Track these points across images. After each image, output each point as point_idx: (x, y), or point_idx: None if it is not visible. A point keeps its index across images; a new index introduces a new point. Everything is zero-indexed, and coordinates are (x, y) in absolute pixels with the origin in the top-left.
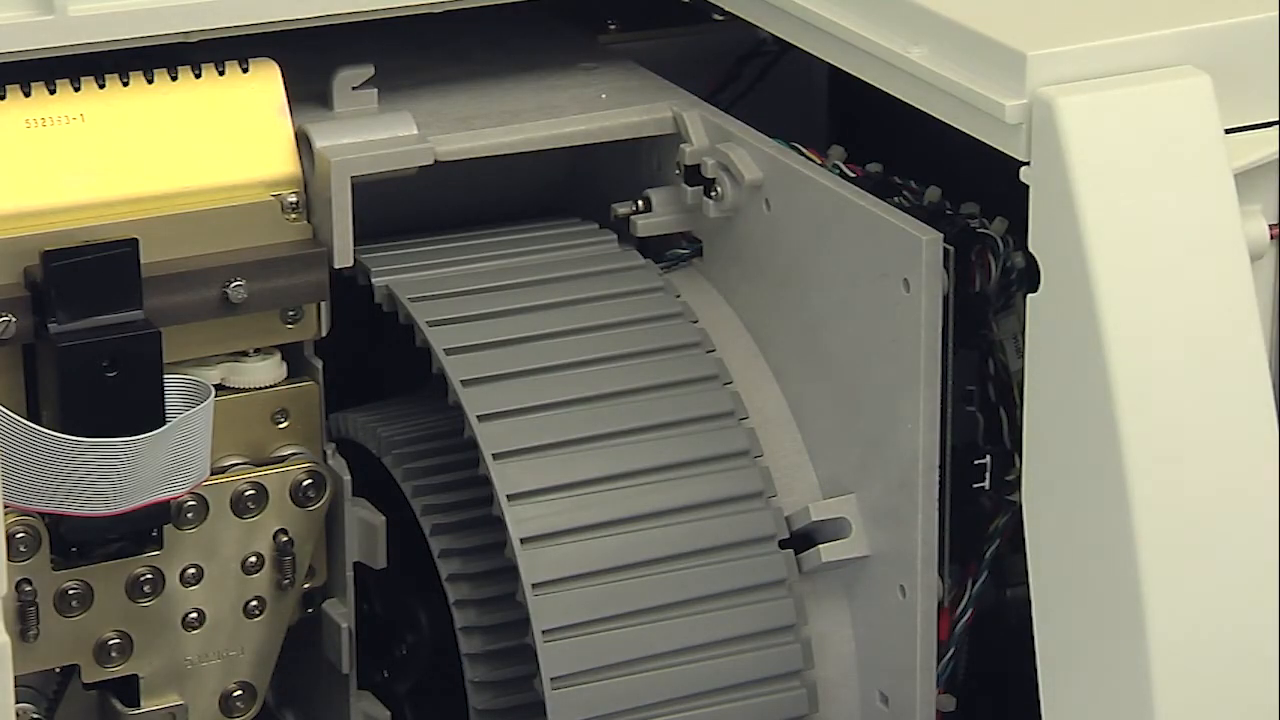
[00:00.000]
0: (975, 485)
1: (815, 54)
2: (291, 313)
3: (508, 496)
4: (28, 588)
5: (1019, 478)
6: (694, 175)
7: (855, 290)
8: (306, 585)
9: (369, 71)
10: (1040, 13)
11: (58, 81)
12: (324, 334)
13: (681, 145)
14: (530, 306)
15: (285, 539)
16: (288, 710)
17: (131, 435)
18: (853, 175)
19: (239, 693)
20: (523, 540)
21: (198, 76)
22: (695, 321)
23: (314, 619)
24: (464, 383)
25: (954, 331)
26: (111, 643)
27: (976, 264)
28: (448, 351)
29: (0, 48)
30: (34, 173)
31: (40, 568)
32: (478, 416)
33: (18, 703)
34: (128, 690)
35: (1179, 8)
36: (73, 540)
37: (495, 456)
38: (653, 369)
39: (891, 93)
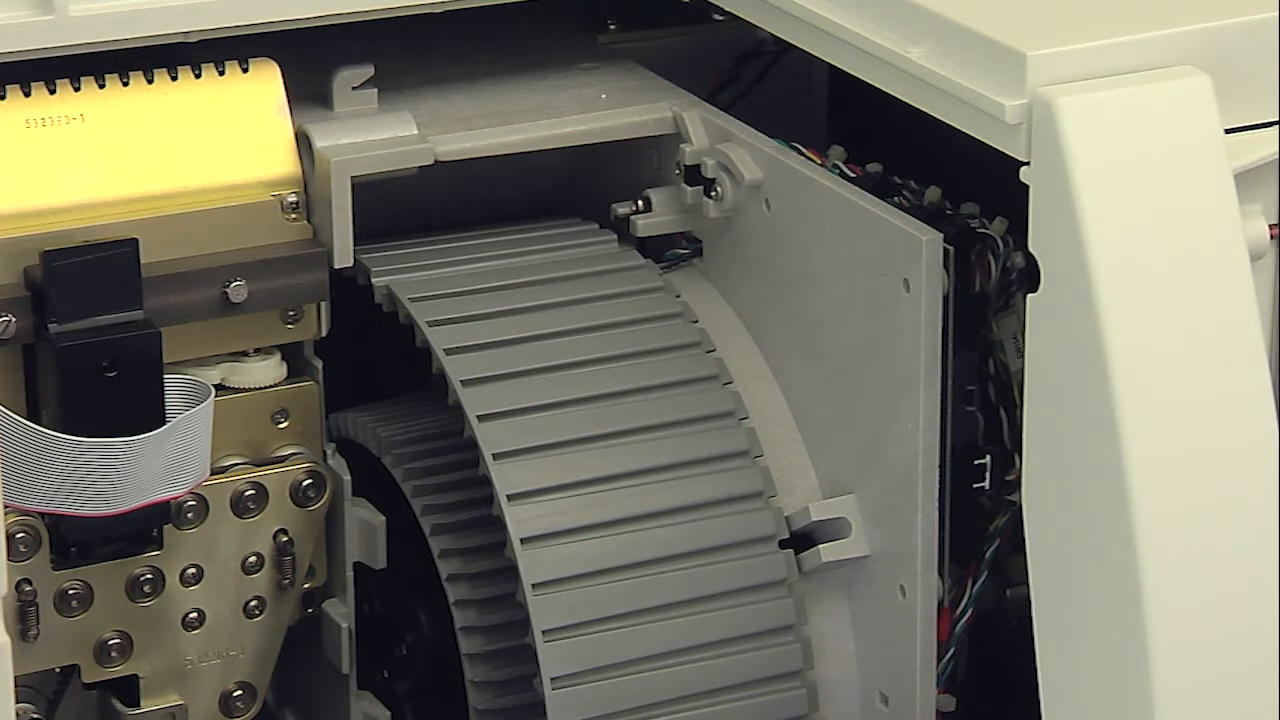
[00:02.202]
0: (975, 485)
1: (815, 54)
2: (291, 313)
3: (508, 496)
4: (28, 588)
5: (1019, 478)
6: (694, 175)
7: (855, 290)
8: (306, 585)
9: (369, 71)
10: (1040, 13)
11: (58, 81)
12: (324, 334)
13: (681, 145)
14: (530, 306)
15: (285, 539)
16: (288, 710)
17: (131, 435)
18: (853, 175)
19: (239, 693)
20: (523, 540)
21: (198, 76)
22: (695, 321)
23: (314, 619)
24: (464, 383)
25: (954, 331)
26: (111, 643)
27: (976, 264)
28: (448, 351)
29: (0, 48)
30: (34, 173)
31: (40, 568)
32: (478, 416)
33: (18, 703)
34: (128, 690)
35: (1179, 8)
36: (73, 540)
37: (495, 456)
38: (653, 369)
39: (891, 93)
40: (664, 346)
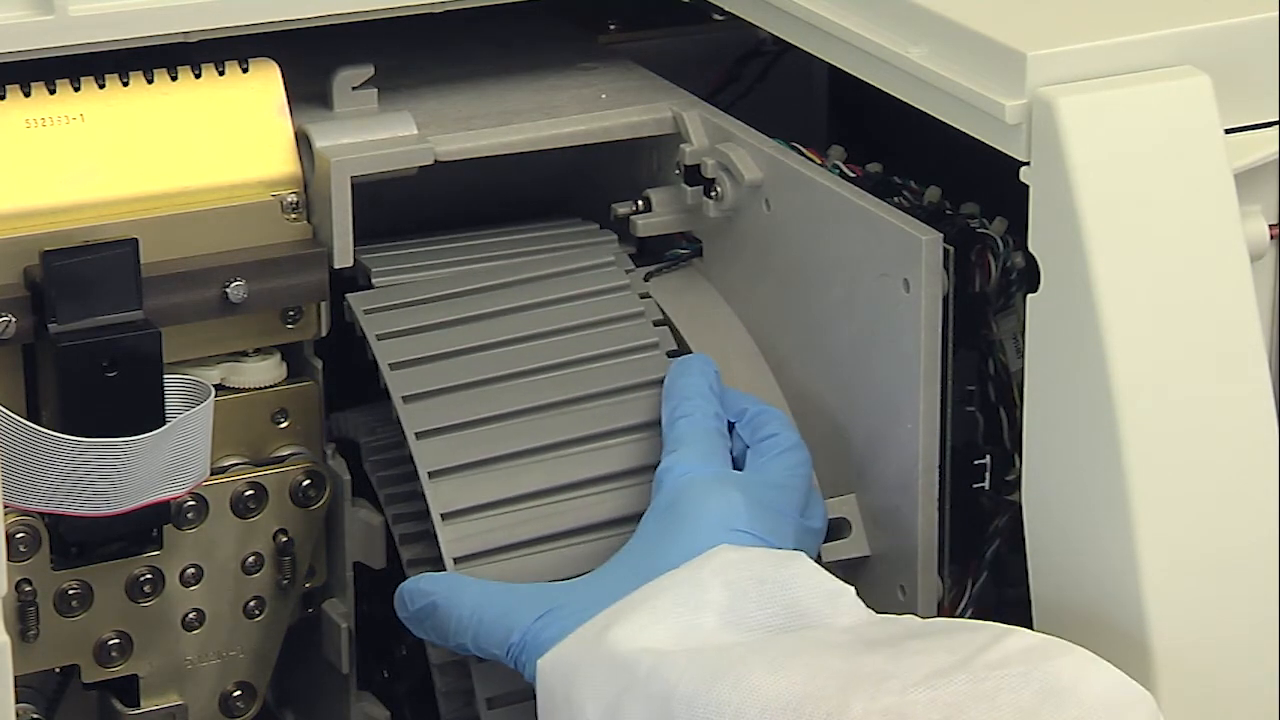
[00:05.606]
0: (975, 485)
1: (815, 54)
2: (291, 313)
3: (442, 515)
4: (28, 588)
5: (1019, 478)
6: (694, 175)
7: (855, 290)
8: (306, 585)
9: (369, 71)
10: (1040, 13)
11: (58, 81)
12: (324, 334)
13: (681, 145)
14: (483, 314)
15: (285, 539)
16: (288, 710)
17: (131, 435)
18: (853, 175)
19: (238, 693)
20: (456, 560)
21: (198, 76)
22: (659, 323)
23: (314, 619)
24: (405, 399)
25: (954, 331)
26: (111, 643)
27: (976, 264)
28: (392, 367)
29: (0, 48)
30: (34, 173)
31: (40, 568)
32: (415, 434)
33: (18, 703)
34: (128, 690)
35: (1179, 8)
36: (73, 540)
37: (430, 474)
38: (605, 374)
39: (891, 93)
40: (618, 350)
